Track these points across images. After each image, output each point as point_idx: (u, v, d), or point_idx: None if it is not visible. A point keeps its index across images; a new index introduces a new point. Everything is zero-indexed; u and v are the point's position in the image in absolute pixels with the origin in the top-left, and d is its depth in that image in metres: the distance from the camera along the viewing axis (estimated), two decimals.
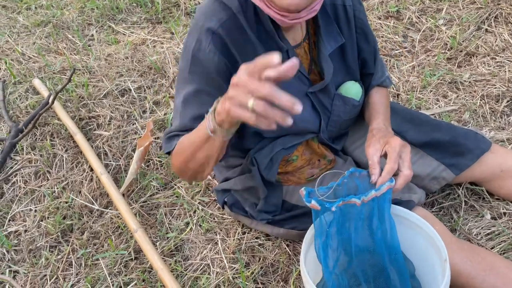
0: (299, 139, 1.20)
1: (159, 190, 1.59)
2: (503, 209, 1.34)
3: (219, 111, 0.82)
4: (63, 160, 1.73)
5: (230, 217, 1.46)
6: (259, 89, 0.69)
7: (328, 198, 1.01)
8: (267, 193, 1.23)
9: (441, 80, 1.86)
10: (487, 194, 1.36)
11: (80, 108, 1.94)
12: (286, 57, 1.08)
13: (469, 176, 1.33)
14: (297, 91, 1.13)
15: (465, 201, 1.37)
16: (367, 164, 1.30)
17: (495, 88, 1.76)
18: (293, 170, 1.26)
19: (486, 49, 1.98)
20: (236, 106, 0.72)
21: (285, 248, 1.35)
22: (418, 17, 2.24)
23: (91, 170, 1.67)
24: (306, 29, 1.13)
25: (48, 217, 1.55)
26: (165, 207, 1.54)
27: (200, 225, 1.46)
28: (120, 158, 1.72)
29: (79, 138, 1.73)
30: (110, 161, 1.71)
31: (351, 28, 1.17)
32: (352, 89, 1.20)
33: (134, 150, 1.72)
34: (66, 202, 1.58)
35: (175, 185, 1.60)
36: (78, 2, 2.77)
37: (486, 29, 2.09)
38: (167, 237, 1.42)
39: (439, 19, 2.19)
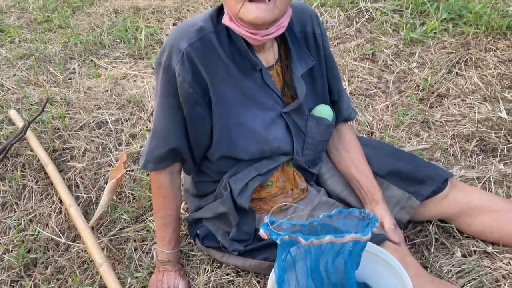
0: (275, 163, 1.21)
1: (129, 224, 1.56)
2: (473, 246, 1.34)
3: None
4: (32, 191, 1.69)
5: (200, 253, 1.43)
6: None
7: (304, 233, 1.01)
8: (238, 220, 1.22)
9: (413, 119, 1.91)
10: (457, 232, 1.36)
11: (55, 140, 1.92)
12: (260, 77, 1.12)
13: (439, 213, 1.34)
14: (271, 111, 1.15)
15: (436, 238, 1.37)
16: (338, 197, 1.32)
17: (465, 128, 1.81)
18: (267, 197, 1.26)
19: (456, 91, 2.05)
20: None
21: (256, 285, 1.32)
22: (392, 60, 2.33)
23: (61, 202, 1.63)
24: (278, 52, 1.17)
25: (11, 250, 1.49)
26: (135, 241, 1.50)
27: None
28: (91, 190, 1.69)
29: (51, 169, 1.70)
30: (81, 193, 1.68)
31: (320, 55, 1.22)
32: (324, 111, 1.23)
33: (106, 183, 1.70)
34: (32, 235, 1.53)
35: (147, 218, 1.56)
36: (62, 36, 2.81)
37: (457, 73, 2.17)
38: (136, 277, 1.38)
39: (412, 62, 2.28)
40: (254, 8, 0.97)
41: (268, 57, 1.16)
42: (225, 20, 1.06)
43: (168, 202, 1.26)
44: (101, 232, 1.53)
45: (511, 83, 2.06)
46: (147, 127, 1.99)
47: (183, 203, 1.56)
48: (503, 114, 1.87)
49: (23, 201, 1.66)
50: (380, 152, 1.40)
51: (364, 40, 2.50)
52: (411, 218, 1.35)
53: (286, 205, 1.27)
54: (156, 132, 1.17)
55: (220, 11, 1.11)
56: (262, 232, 0.97)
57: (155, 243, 1.45)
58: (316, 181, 1.38)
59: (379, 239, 1.12)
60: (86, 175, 1.75)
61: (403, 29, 2.49)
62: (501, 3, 2.61)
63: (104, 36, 2.74)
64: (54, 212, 1.60)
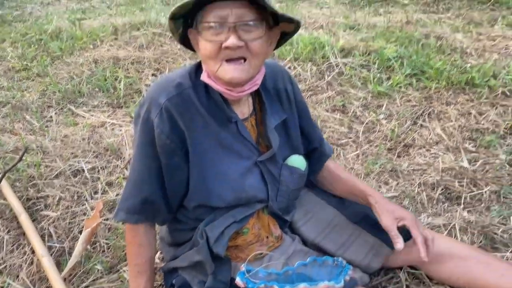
0: (250, 210, 1.25)
1: (103, 274, 1.54)
2: None
3: None
4: (3, 241, 1.65)
5: None
6: None
7: (279, 281, 1.04)
8: (214, 268, 1.23)
9: (382, 168, 2.00)
10: (426, 278, 1.41)
11: (29, 188, 1.91)
12: (235, 128, 1.19)
13: (408, 259, 1.39)
14: (247, 160, 1.21)
15: (406, 285, 1.41)
16: (312, 243, 1.36)
17: (431, 177, 1.91)
18: (243, 244, 1.28)
19: (421, 142, 2.18)
20: None
21: None
22: (361, 111, 2.46)
23: (33, 252, 1.60)
24: (253, 105, 1.25)
25: None
26: None
27: None
28: (65, 240, 1.67)
29: (24, 218, 1.68)
30: (54, 243, 1.65)
31: (293, 108, 1.31)
32: (297, 161, 1.30)
33: (81, 232, 1.68)
34: (1, 287, 1.49)
35: (121, 269, 1.55)
36: (40, 85, 2.85)
37: (421, 124, 2.31)
38: None
39: (380, 114, 2.42)
40: (230, 69, 1.05)
41: (244, 109, 1.23)
42: (204, 77, 1.14)
43: (143, 250, 1.27)
44: (73, 284, 1.50)
45: (471, 134, 2.20)
46: (124, 175, 2.00)
47: (158, 252, 1.56)
48: (465, 164, 1.99)
49: None
50: (353, 202, 1.45)
51: (335, 92, 2.64)
52: (382, 264, 1.39)
53: (262, 253, 1.30)
54: (131, 181, 1.20)
55: (198, 67, 1.19)
56: (238, 281, 1.00)
57: None
58: (290, 228, 1.42)
59: (351, 285, 1.15)
60: (60, 224, 1.73)
61: (371, 83, 2.65)
62: (459, 60, 2.83)
63: (83, 85, 2.79)
64: (26, 263, 1.56)
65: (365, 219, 1.39)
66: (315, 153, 1.41)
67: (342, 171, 1.46)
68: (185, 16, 1.10)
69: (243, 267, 1.03)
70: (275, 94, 1.28)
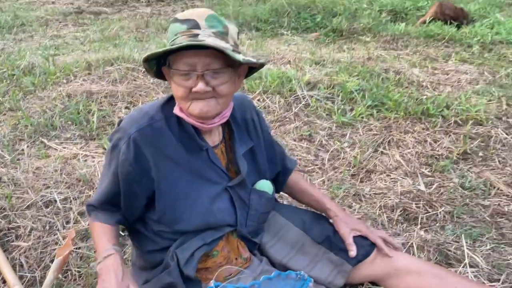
0: (220, 233, 1.33)
1: None
2: None
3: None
4: None
5: None
6: None
7: None
8: None
9: (346, 192, 2.11)
10: None
11: (0, 220, 1.91)
12: (206, 155, 1.29)
13: (369, 275, 1.49)
14: (217, 185, 1.30)
15: None
16: (281, 263, 1.45)
17: (390, 200, 2.03)
18: (213, 266, 1.34)
19: (382, 168, 2.32)
20: None
21: None
22: (327, 140, 2.60)
23: (4, 282, 1.60)
24: (223, 134, 1.36)
25: None
26: None
27: None
28: (36, 270, 1.68)
29: None
30: (25, 273, 1.66)
31: (259, 137, 1.44)
32: (265, 186, 1.41)
33: (52, 261, 1.69)
34: None
35: None
36: (12, 119, 2.87)
37: (382, 151, 2.46)
38: None
39: (344, 142, 2.56)
40: (200, 106, 1.17)
41: (214, 138, 1.34)
42: (176, 111, 1.24)
43: (106, 225, 1.33)
44: None
45: (427, 160, 2.36)
46: None
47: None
48: (422, 187, 2.13)
49: None
50: (317, 221, 1.56)
51: (302, 123, 2.78)
52: (345, 281, 1.48)
53: (231, 274, 1.36)
54: (98, 189, 1.35)
55: (170, 99, 1.30)
56: None
57: None
58: (260, 250, 1.50)
59: None
60: (31, 254, 1.74)
61: (335, 114, 2.81)
62: (415, 93, 3.04)
63: (55, 118, 2.83)
64: None
65: (328, 240, 1.49)
66: (280, 173, 1.57)
67: (304, 183, 1.61)
68: (157, 57, 1.21)
69: (211, 283, 1.10)
70: (243, 124, 1.40)
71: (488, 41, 4.42)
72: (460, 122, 2.67)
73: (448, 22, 5.02)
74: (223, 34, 1.16)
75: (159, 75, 1.28)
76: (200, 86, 1.13)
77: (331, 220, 1.54)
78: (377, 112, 2.81)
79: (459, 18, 5.11)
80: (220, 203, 1.32)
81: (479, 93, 3.10)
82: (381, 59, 3.90)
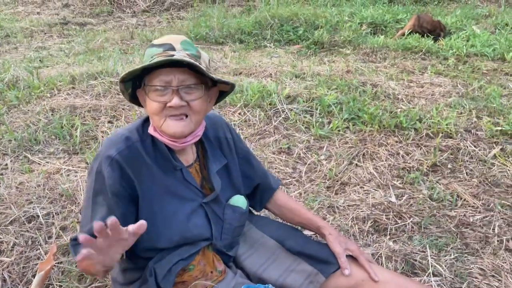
0: (196, 248, 1.40)
1: None
2: None
3: None
4: None
5: None
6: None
7: None
8: None
9: (321, 204, 2.20)
10: None
11: None
12: (181, 174, 1.36)
13: (340, 286, 1.57)
14: (192, 202, 1.37)
15: None
16: (255, 275, 1.52)
17: (362, 211, 2.13)
18: (189, 280, 1.41)
19: (356, 180, 2.42)
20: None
21: None
22: (305, 153, 2.69)
23: None
24: (197, 153, 1.43)
25: None
26: None
27: None
28: (18, 285, 1.73)
29: None
30: None
31: (233, 154, 1.51)
32: (239, 200, 1.48)
33: (35, 276, 1.75)
34: None
35: None
36: None
37: (356, 164, 2.56)
38: None
39: (321, 155, 2.66)
40: (173, 124, 1.25)
41: (188, 157, 1.41)
42: (150, 130, 1.32)
43: None
44: None
45: (399, 172, 2.47)
46: (78, 219, 2.09)
47: None
48: (393, 199, 2.23)
49: None
50: (293, 233, 1.64)
51: (281, 136, 2.87)
52: None
53: (206, 287, 1.43)
54: (83, 224, 1.32)
55: (145, 121, 1.37)
56: None
57: None
58: (235, 262, 1.57)
59: None
60: (14, 269, 1.79)
61: (313, 127, 2.91)
62: (390, 106, 3.16)
63: (39, 132, 2.88)
64: None
65: (303, 250, 1.57)
66: (259, 187, 1.62)
67: (291, 202, 1.66)
68: (133, 79, 1.29)
69: None
70: (216, 142, 1.48)
71: (463, 53, 4.58)
72: (431, 135, 2.79)
73: (426, 35, 5.19)
74: (196, 57, 1.26)
75: (134, 98, 1.36)
76: (175, 101, 1.21)
77: (319, 238, 1.61)
78: (353, 125, 2.92)
79: (436, 30, 5.28)
80: (196, 219, 1.39)
81: (451, 106, 3.23)
82: (360, 72, 4.03)
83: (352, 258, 1.54)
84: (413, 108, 3.16)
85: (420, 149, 2.65)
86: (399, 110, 3.12)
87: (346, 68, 4.08)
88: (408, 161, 2.55)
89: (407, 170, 2.49)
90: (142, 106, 1.36)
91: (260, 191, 1.64)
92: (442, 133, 2.78)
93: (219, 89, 1.37)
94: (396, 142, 2.73)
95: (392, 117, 2.98)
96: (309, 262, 1.55)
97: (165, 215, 1.34)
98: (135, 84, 1.32)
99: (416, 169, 2.48)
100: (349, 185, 2.37)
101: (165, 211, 1.34)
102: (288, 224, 1.70)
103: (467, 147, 2.66)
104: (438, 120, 2.88)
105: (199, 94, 1.26)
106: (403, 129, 2.84)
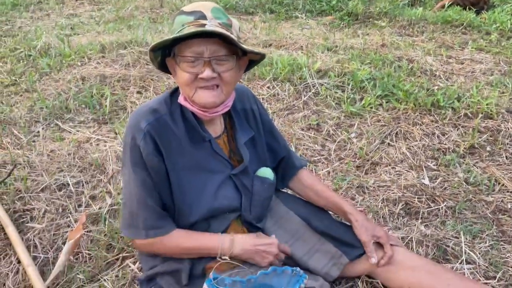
0: (226, 223, 1.39)
1: (85, 283, 1.64)
2: None
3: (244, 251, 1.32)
4: None
5: None
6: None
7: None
8: (188, 279, 1.35)
9: (350, 184, 2.15)
10: (382, 286, 1.55)
11: (16, 201, 2.01)
12: (209, 146, 1.35)
13: (366, 269, 1.53)
14: (221, 174, 1.35)
15: None
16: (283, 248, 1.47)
17: (393, 193, 2.06)
18: None
19: (388, 160, 2.33)
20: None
21: None
22: (335, 130, 2.62)
23: (19, 262, 1.69)
24: (224, 124, 1.41)
25: None
26: None
27: None
28: (49, 251, 1.77)
29: (10, 230, 1.78)
30: (39, 254, 1.75)
31: (259, 126, 1.49)
32: (266, 172, 1.46)
33: (64, 243, 1.78)
34: None
35: (102, 278, 1.65)
36: (28, 100, 2.95)
37: (389, 143, 2.47)
38: None
39: (351, 133, 2.57)
40: (204, 95, 1.22)
41: (216, 128, 1.39)
42: (181, 100, 1.29)
43: (184, 234, 1.34)
44: None
45: (434, 153, 2.37)
46: (107, 189, 2.12)
47: (137, 263, 1.67)
48: (426, 181, 2.15)
49: None
50: (319, 212, 1.60)
51: (310, 111, 2.79)
52: (343, 274, 1.53)
53: (232, 263, 1.43)
54: (135, 202, 1.29)
55: (173, 93, 1.34)
56: (205, 287, 1.12)
57: None
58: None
59: None
60: (45, 236, 1.83)
61: (344, 103, 2.82)
62: (427, 83, 3.01)
63: (70, 101, 2.90)
64: (12, 272, 1.66)
65: (328, 231, 1.53)
66: (283, 162, 1.59)
67: (317, 183, 1.61)
68: (163, 47, 1.25)
69: (211, 275, 1.16)
70: (243, 114, 1.45)
71: (507, 28, 4.31)
72: (470, 115, 2.65)
73: (467, 7, 4.89)
74: (227, 26, 1.21)
75: (163, 66, 1.32)
76: (207, 72, 1.18)
77: (345, 221, 1.57)
78: (386, 102, 2.81)
79: (479, 3, 4.98)
80: (225, 190, 1.38)
81: (492, 84, 3.06)
82: (395, 46, 3.85)
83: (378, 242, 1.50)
84: (452, 86, 3.00)
85: (458, 130, 2.53)
86: (436, 87, 2.97)
87: (381, 42, 3.91)
88: (444, 142, 2.44)
89: (443, 151, 2.38)
90: (171, 74, 1.33)
91: (282, 167, 1.60)
92: (482, 113, 2.64)
93: (248, 58, 1.33)
94: (432, 121, 2.61)
95: (428, 95, 2.85)
96: (334, 243, 1.52)
97: (195, 188, 1.33)
98: (164, 52, 1.29)
99: (452, 150, 2.37)
100: (380, 165, 2.30)
101: (194, 184, 1.33)
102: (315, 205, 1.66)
103: (508, 129, 2.52)
104: (478, 100, 2.73)
105: (230, 65, 1.22)
106: (440, 108, 2.71)
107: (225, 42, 1.19)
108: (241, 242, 1.34)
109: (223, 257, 1.31)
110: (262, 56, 1.32)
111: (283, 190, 1.68)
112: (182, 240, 1.33)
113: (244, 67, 1.33)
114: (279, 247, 1.38)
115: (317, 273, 1.48)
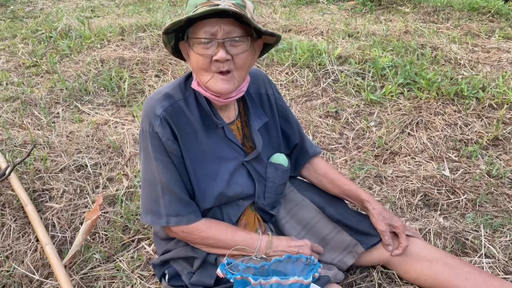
0: (241, 209, 1.38)
1: (101, 263, 1.67)
2: None
3: (278, 253, 1.31)
4: (10, 229, 1.79)
5: None
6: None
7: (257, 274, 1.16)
8: (200, 265, 1.35)
9: (368, 173, 2.11)
10: (398, 278, 1.52)
11: (35, 181, 2.04)
12: (222, 132, 1.33)
13: (381, 259, 1.51)
14: (234, 161, 1.34)
15: (379, 283, 1.53)
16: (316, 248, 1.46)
17: (412, 184, 2.02)
18: None
19: (407, 150, 2.28)
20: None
21: None
22: (353, 118, 2.57)
23: (37, 240, 1.73)
24: (238, 109, 1.38)
25: None
26: (105, 280, 1.60)
27: None
28: (67, 230, 1.80)
29: (30, 209, 1.81)
30: (57, 233, 1.78)
31: (274, 111, 1.46)
32: (280, 158, 1.44)
33: (82, 223, 1.81)
34: (8, 271, 1.62)
35: (117, 258, 1.68)
36: (49, 82, 2.98)
37: (409, 133, 2.42)
38: None
39: (370, 121, 2.53)
40: (219, 82, 1.19)
41: (230, 114, 1.37)
42: (194, 85, 1.27)
43: (218, 225, 1.33)
44: (73, 270, 1.63)
45: (455, 144, 2.31)
46: (124, 171, 2.13)
47: (152, 245, 1.68)
48: (447, 173, 2.09)
49: (1, 239, 1.75)
50: (334, 200, 1.58)
51: (329, 99, 2.75)
52: (357, 263, 1.52)
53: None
54: (165, 188, 1.27)
55: (187, 78, 1.32)
56: (219, 271, 1.12)
57: (125, 282, 1.56)
58: (274, 225, 1.55)
59: (324, 281, 1.28)
60: (63, 215, 1.86)
61: (364, 91, 2.76)
62: (451, 72, 2.92)
63: (89, 83, 2.92)
64: (30, 250, 1.70)
65: (343, 220, 1.51)
66: (296, 149, 1.56)
67: (332, 171, 1.58)
68: (177, 30, 1.23)
69: (224, 260, 1.16)
70: (258, 99, 1.43)
71: None
72: (495, 106, 2.57)
73: None
74: (241, 6, 1.18)
75: (176, 52, 1.30)
76: (221, 54, 1.15)
77: (361, 210, 1.55)
78: (408, 91, 2.74)
79: None
80: (238, 177, 1.37)
81: None
82: (419, 33, 3.74)
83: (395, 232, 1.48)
84: (477, 75, 2.91)
85: (481, 121, 2.46)
86: (460, 76, 2.88)
87: (404, 28, 3.81)
88: (467, 133, 2.37)
89: (465, 142, 2.32)
90: (184, 60, 1.31)
91: (295, 153, 1.58)
92: (508, 104, 2.55)
93: (263, 42, 1.29)
94: (455, 111, 2.54)
95: (452, 84, 2.77)
96: (349, 232, 1.50)
97: (208, 175, 1.32)
98: (178, 36, 1.26)
99: (474, 142, 2.31)
100: (399, 155, 2.25)
101: (207, 171, 1.32)
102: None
103: None
104: (504, 90, 2.64)
105: (245, 47, 1.19)
106: (463, 97, 2.63)
107: (239, 22, 1.16)
108: (276, 243, 1.33)
109: (258, 256, 1.30)
110: (278, 38, 1.27)
111: (297, 177, 1.66)
112: (218, 232, 1.31)
113: (259, 51, 1.30)
114: (312, 248, 1.37)
115: (331, 261, 1.47)
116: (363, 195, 1.51)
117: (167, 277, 1.46)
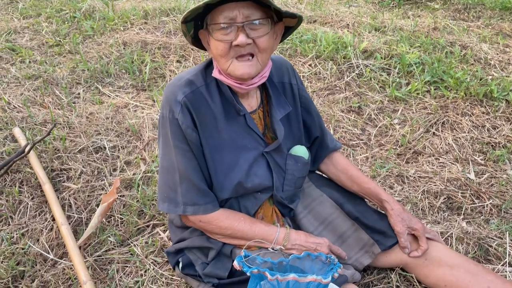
0: (259, 202, 1.35)
1: (115, 246, 1.66)
2: None
3: (296, 246, 1.29)
4: (27, 207, 1.79)
5: (179, 279, 1.53)
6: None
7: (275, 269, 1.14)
8: (214, 256, 1.33)
9: (389, 172, 2.05)
10: (416, 282, 1.48)
11: (54, 160, 2.04)
12: (244, 121, 1.29)
13: (399, 262, 1.46)
14: (254, 151, 1.30)
15: (397, 285, 1.48)
16: (313, 234, 1.44)
17: (435, 185, 1.96)
18: None
19: (431, 150, 2.22)
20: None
21: None
22: (376, 115, 2.50)
23: (53, 220, 1.73)
24: (261, 99, 1.35)
25: (2, 261, 1.58)
26: (118, 263, 1.59)
27: (149, 286, 1.52)
28: (83, 211, 1.80)
29: (47, 188, 1.81)
30: (73, 213, 1.78)
31: (296, 102, 1.41)
32: (300, 150, 1.40)
33: (98, 205, 1.81)
34: (23, 249, 1.63)
35: (132, 243, 1.67)
36: (71, 62, 2.98)
37: (434, 133, 2.34)
38: None
39: (394, 119, 2.46)
40: (240, 66, 1.15)
41: (252, 103, 1.33)
42: (215, 73, 1.23)
43: (236, 216, 1.30)
44: (87, 252, 1.62)
45: (482, 147, 2.23)
46: (141, 155, 2.12)
47: (167, 232, 1.67)
48: (472, 176, 2.02)
49: (18, 216, 1.76)
50: (352, 197, 1.54)
51: (352, 93, 2.68)
52: (375, 264, 1.48)
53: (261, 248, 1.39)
54: (183, 176, 1.25)
55: (208, 65, 1.29)
56: (236, 264, 1.09)
57: (138, 267, 1.55)
58: (292, 220, 1.51)
59: (341, 281, 1.24)
60: (79, 196, 1.86)
61: (389, 87, 2.69)
62: (480, 72, 2.82)
63: (111, 65, 2.91)
64: (46, 229, 1.70)
65: (361, 218, 1.47)
66: (316, 142, 1.52)
67: (352, 168, 1.53)
68: (196, 19, 1.19)
69: (242, 252, 1.13)
70: (281, 88, 1.38)
71: None
72: None
73: None
74: None
75: (196, 41, 1.27)
76: (241, 38, 1.11)
77: (380, 209, 1.51)
78: (434, 89, 2.66)
79: None
80: (257, 168, 1.33)
81: None
82: (448, 30, 3.63)
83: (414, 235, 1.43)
84: (507, 76, 2.80)
85: (510, 124, 2.37)
86: (490, 77, 2.78)
87: (433, 25, 3.69)
88: (494, 136, 2.29)
89: (492, 145, 2.24)
90: (204, 49, 1.27)
91: (315, 147, 1.54)
92: None
93: (284, 25, 1.25)
94: (483, 113, 2.45)
95: (481, 84, 2.67)
96: (367, 231, 1.46)
97: (227, 165, 1.29)
98: (197, 25, 1.23)
99: (502, 145, 2.22)
100: (423, 155, 2.18)
101: (226, 160, 1.29)
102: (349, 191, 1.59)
103: None
104: None
105: (265, 29, 1.15)
106: (492, 99, 2.54)
107: (258, 5, 1.12)
108: (294, 237, 1.31)
109: (275, 248, 1.28)
110: (299, 19, 1.22)
111: (316, 172, 1.62)
112: (236, 223, 1.28)
113: (280, 34, 1.26)
114: (331, 248, 1.33)
115: (347, 260, 1.44)
116: (382, 195, 1.46)
117: (180, 265, 1.45)
